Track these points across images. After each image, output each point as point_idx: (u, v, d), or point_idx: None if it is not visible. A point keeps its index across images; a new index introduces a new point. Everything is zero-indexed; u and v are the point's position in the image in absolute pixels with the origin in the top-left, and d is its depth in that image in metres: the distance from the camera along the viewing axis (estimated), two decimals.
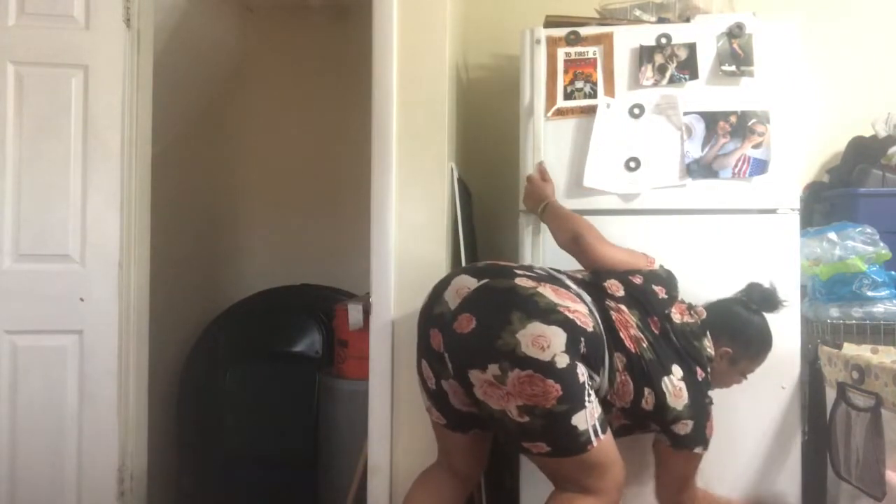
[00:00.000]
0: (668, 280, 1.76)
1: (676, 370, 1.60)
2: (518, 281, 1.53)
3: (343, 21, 3.20)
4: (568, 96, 2.06)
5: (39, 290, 2.21)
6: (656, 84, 2.03)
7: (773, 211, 2.00)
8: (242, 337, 2.88)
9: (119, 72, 2.26)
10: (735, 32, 2.01)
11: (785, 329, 1.97)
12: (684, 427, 1.60)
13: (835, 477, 1.83)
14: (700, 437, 1.63)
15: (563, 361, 1.43)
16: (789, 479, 1.97)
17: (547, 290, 1.52)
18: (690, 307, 1.74)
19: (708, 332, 1.69)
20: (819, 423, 1.93)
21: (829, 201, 2.35)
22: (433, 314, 1.59)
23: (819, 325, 2.03)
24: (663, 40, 2.03)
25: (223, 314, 2.98)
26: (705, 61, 2.02)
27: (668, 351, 1.62)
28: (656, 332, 1.63)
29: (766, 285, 1.79)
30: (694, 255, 2.00)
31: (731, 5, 2.33)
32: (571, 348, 1.45)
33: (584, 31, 2.07)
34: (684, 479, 1.70)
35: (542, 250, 2.03)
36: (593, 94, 2.06)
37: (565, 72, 2.07)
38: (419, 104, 2.11)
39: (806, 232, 2.07)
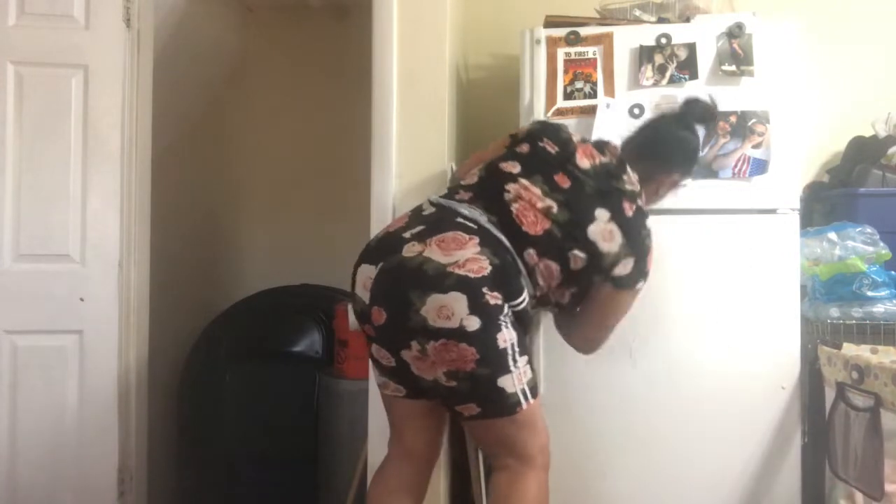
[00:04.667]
0: (546, 131, 1.71)
1: (601, 214, 1.57)
2: (405, 252, 1.51)
3: (343, 21, 3.20)
4: (568, 96, 2.06)
5: (39, 290, 2.21)
6: (656, 84, 2.03)
7: (773, 211, 2.00)
8: (242, 337, 2.87)
9: (119, 72, 2.26)
10: (735, 32, 2.01)
11: (785, 329, 1.98)
12: (625, 266, 1.58)
13: (832, 477, 1.83)
14: (641, 272, 1.61)
15: (472, 324, 1.42)
16: (789, 480, 1.97)
17: (433, 251, 1.48)
18: (601, 146, 1.70)
19: (627, 167, 1.66)
20: (818, 423, 1.92)
21: (829, 201, 2.35)
22: (358, 312, 1.61)
23: (819, 325, 2.03)
24: (663, 40, 2.04)
25: (223, 314, 2.98)
26: (705, 61, 2.02)
27: (584, 200, 1.58)
28: (566, 186, 1.59)
29: (706, 98, 1.77)
30: (694, 255, 2.00)
31: (731, 5, 2.33)
32: (475, 306, 1.43)
33: (584, 31, 2.07)
34: (620, 315, 1.69)
35: None
36: (593, 95, 2.06)
37: (565, 72, 2.07)
38: (419, 104, 2.11)
39: (806, 232, 2.07)
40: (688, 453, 1.99)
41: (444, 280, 1.44)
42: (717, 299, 1.99)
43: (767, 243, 1.99)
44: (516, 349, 1.49)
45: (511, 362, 1.47)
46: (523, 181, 1.60)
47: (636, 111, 2.03)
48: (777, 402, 1.98)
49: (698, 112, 1.78)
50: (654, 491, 2.00)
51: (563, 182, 1.60)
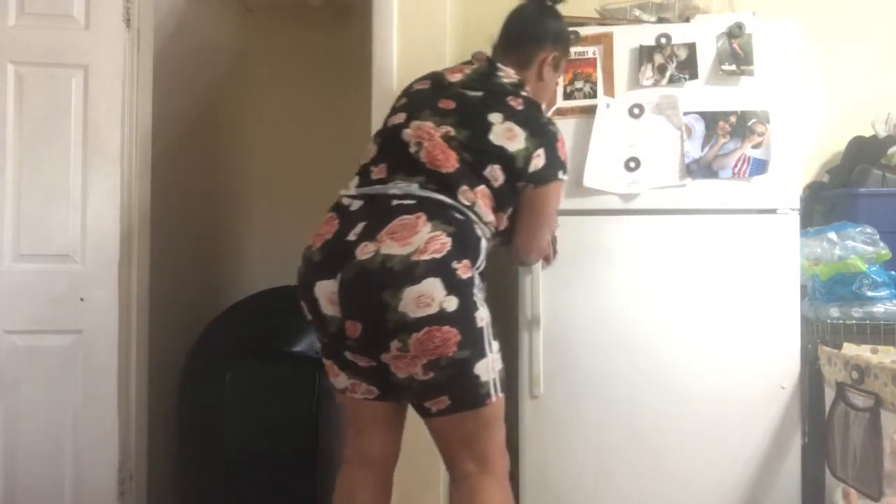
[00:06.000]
0: (414, 81, 1.76)
1: (494, 117, 1.57)
2: (360, 256, 1.45)
3: (343, 21, 3.20)
4: (568, 96, 2.06)
5: (39, 290, 2.21)
6: (656, 84, 2.03)
7: (772, 211, 2.00)
8: (242, 337, 2.87)
9: (119, 72, 2.26)
10: (735, 32, 2.01)
11: (785, 329, 1.98)
12: (538, 160, 1.58)
13: (832, 477, 1.83)
14: (556, 160, 1.61)
15: (451, 305, 1.41)
16: (789, 480, 1.97)
17: (389, 246, 1.44)
18: (466, 62, 1.73)
19: (498, 64, 1.68)
20: (818, 423, 1.92)
21: (829, 201, 2.35)
22: (333, 333, 1.54)
23: (819, 325, 2.03)
24: (663, 40, 2.03)
25: (223, 314, 2.97)
26: (705, 61, 2.02)
27: (474, 112, 1.59)
28: (452, 107, 1.59)
29: None
30: (694, 255, 2.00)
31: (731, 5, 2.33)
32: (450, 284, 1.42)
33: (583, 31, 2.07)
34: (549, 213, 1.70)
35: None
36: (593, 94, 2.06)
37: (565, 71, 2.06)
38: None
39: (806, 232, 2.07)
40: (688, 453, 1.99)
41: (413, 270, 1.41)
42: (717, 299, 2.00)
43: (767, 243, 1.99)
44: (490, 331, 1.49)
45: (487, 345, 1.47)
46: (414, 123, 1.60)
47: (636, 111, 2.04)
48: (777, 402, 1.98)
49: None
50: (654, 490, 2.00)
51: (448, 105, 1.61)
